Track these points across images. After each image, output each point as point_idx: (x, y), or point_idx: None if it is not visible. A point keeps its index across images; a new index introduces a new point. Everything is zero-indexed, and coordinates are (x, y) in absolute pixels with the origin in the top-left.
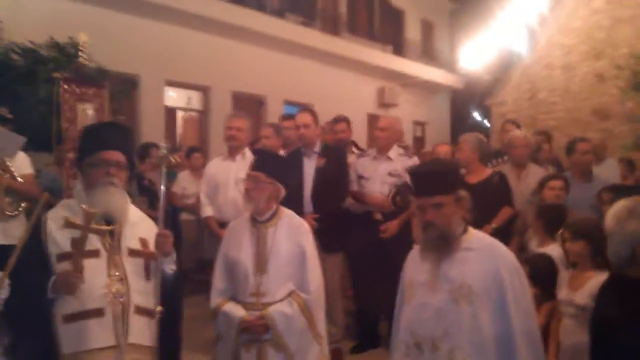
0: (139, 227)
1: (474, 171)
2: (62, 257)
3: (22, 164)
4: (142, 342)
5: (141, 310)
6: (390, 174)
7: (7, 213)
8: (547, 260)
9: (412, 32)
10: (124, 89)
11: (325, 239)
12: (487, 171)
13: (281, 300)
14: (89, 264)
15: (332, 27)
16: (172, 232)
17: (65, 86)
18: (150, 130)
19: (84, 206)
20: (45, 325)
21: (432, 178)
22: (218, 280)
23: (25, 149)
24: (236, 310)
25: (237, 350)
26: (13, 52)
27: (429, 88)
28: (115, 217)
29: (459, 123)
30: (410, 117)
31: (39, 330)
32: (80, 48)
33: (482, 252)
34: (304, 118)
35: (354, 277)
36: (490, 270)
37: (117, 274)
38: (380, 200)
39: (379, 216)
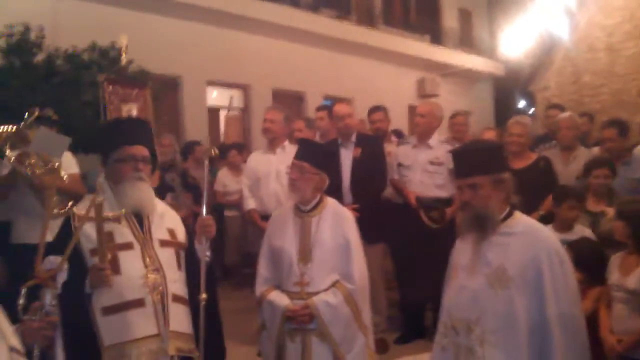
0: (166, 218)
1: (519, 156)
2: (94, 251)
3: (68, 164)
4: (182, 330)
5: (178, 299)
6: (431, 162)
7: (55, 212)
8: (592, 244)
9: (450, 20)
10: (166, 89)
11: (366, 229)
12: (533, 156)
13: (325, 290)
14: (124, 256)
15: (367, 20)
16: (217, 228)
17: (110, 88)
18: (194, 129)
19: (89, 196)
20: (82, 319)
21: (468, 158)
22: (263, 269)
23: (74, 151)
24: (281, 299)
25: (281, 339)
26: (57, 57)
27: (469, 77)
28: (145, 211)
29: (503, 111)
30: (452, 107)
31: (75, 323)
32: (122, 50)
33: (523, 237)
34: (346, 108)
35: (397, 267)
36: (528, 255)
37: (152, 264)
38: (413, 200)
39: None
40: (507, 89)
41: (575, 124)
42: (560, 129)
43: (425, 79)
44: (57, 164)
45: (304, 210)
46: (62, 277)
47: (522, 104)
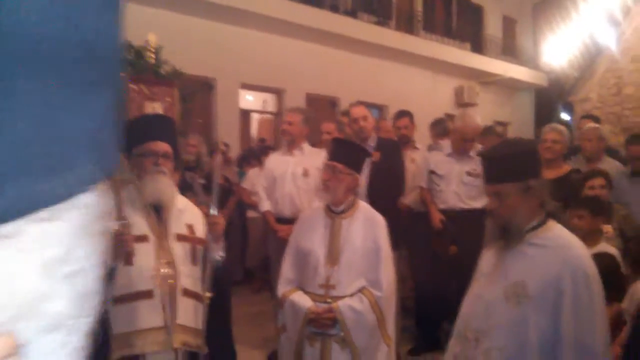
0: (186, 213)
1: (552, 166)
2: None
3: None
4: (189, 324)
5: (189, 293)
6: (468, 174)
7: None
8: (608, 259)
9: (493, 28)
10: (199, 90)
11: None
12: (566, 168)
13: (351, 295)
14: (138, 248)
15: (407, 26)
16: (240, 230)
17: (133, 86)
18: (226, 131)
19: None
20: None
21: (495, 163)
22: (287, 269)
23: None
24: (304, 300)
25: (301, 342)
26: None
27: (511, 86)
28: (164, 204)
29: (544, 122)
30: (491, 116)
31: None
32: (149, 49)
33: (551, 251)
34: (362, 110)
35: (414, 276)
36: (552, 272)
37: (165, 258)
38: (438, 223)
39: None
40: (549, 100)
41: (600, 135)
42: (585, 140)
43: (464, 87)
44: None
45: (335, 212)
46: None
47: (564, 115)
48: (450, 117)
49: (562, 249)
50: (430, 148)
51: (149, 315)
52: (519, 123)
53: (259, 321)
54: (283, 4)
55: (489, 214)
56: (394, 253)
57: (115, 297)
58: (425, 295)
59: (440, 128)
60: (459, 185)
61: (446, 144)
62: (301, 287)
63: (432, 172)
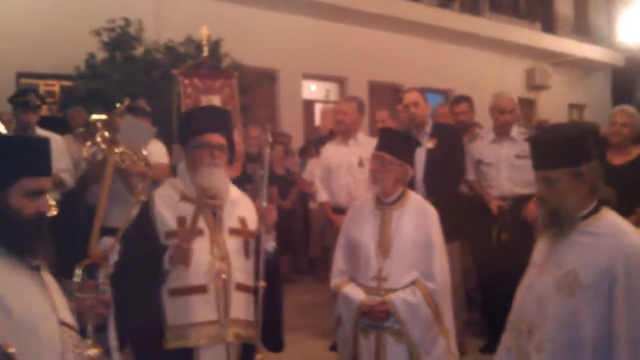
0: (239, 206)
1: (620, 150)
2: (169, 234)
3: (157, 153)
4: (242, 317)
5: (242, 287)
6: (517, 156)
7: (141, 198)
8: None
9: (564, 6)
10: (261, 82)
11: (441, 226)
12: (635, 151)
13: (403, 288)
14: (194, 242)
15: (472, 7)
16: (302, 220)
17: (186, 81)
18: (289, 122)
19: (169, 180)
20: (152, 297)
21: (543, 148)
22: (339, 261)
23: (168, 142)
24: (356, 293)
25: (356, 335)
26: (155, 51)
27: (585, 67)
28: (219, 197)
29: (622, 104)
30: (565, 99)
31: (147, 300)
32: (204, 42)
33: (604, 240)
34: (413, 96)
35: (478, 268)
36: (605, 262)
37: (219, 252)
38: (495, 209)
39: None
40: (626, 80)
41: None
42: None
43: (536, 69)
44: (144, 152)
45: (385, 203)
46: (114, 257)
47: None
48: (520, 100)
49: (615, 237)
50: (471, 139)
51: (203, 309)
52: (596, 105)
53: (322, 311)
54: None
55: (538, 201)
56: (454, 244)
57: (171, 289)
58: (491, 288)
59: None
60: (509, 169)
61: (486, 131)
62: (353, 279)
63: (479, 162)
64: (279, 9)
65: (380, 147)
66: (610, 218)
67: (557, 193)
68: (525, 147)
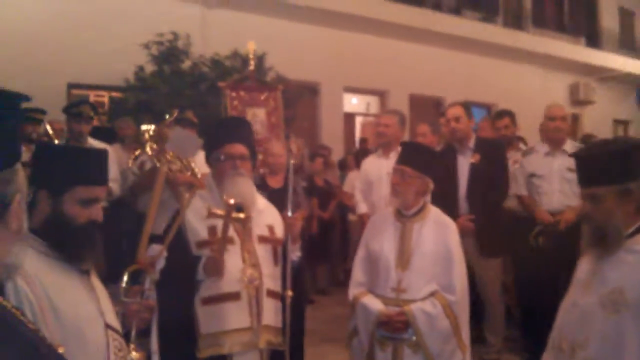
0: (266, 214)
1: None
2: (201, 244)
3: (202, 163)
4: (273, 324)
5: (272, 294)
6: (570, 169)
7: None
8: None
9: (609, 21)
10: (304, 95)
11: (484, 242)
12: None
13: (423, 299)
14: (225, 251)
15: (515, 21)
16: (341, 232)
17: (233, 94)
18: (330, 134)
19: (225, 198)
20: (186, 306)
21: (589, 164)
22: (358, 272)
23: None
24: (374, 304)
25: (372, 346)
26: (202, 64)
27: (630, 82)
28: (246, 206)
29: None
30: (609, 115)
31: (180, 309)
32: (251, 56)
33: None
34: (455, 111)
35: (519, 284)
36: None
37: (250, 259)
38: (549, 219)
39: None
40: None
41: None
42: None
43: (580, 84)
44: (192, 163)
45: (405, 215)
46: (161, 263)
47: None
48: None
49: None
50: (525, 153)
51: (236, 316)
52: None
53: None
54: (384, 5)
55: (584, 218)
56: (497, 260)
57: (204, 298)
58: (531, 305)
59: None
60: (562, 182)
61: (541, 145)
62: (372, 290)
63: (532, 175)
64: (321, 22)
65: (401, 160)
66: None
67: (603, 211)
68: None
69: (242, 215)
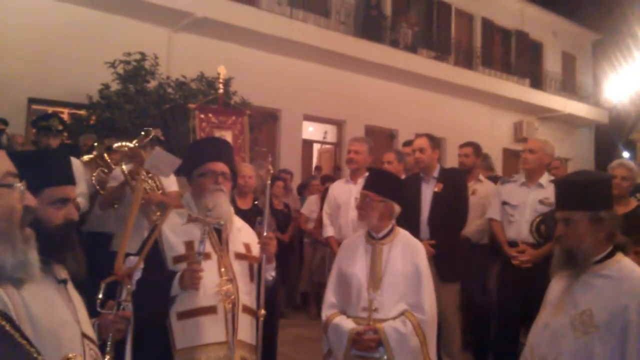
0: (244, 233)
1: (619, 202)
2: (177, 259)
3: (169, 182)
4: (248, 340)
5: (248, 310)
6: (541, 202)
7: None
8: None
9: (552, 64)
10: (265, 121)
11: (442, 267)
12: (633, 203)
13: (394, 318)
14: (202, 265)
15: (466, 61)
16: (298, 254)
17: (202, 115)
18: (289, 160)
19: (204, 204)
20: (156, 320)
21: (567, 190)
22: (330, 294)
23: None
24: (347, 323)
25: None
26: (168, 85)
27: (570, 122)
28: (223, 220)
29: (605, 160)
30: None
31: (154, 325)
32: (220, 80)
33: (618, 282)
34: (420, 142)
35: (471, 309)
36: (618, 304)
37: (226, 274)
38: (509, 256)
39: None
40: (610, 137)
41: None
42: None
43: (523, 122)
44: (160, 182)
45: (375, 238)
46: (137, 275)
47: (625, 154)
48: (507, 152)
49: (629, 280)
50: (503, 181)
51: (212, 330)
52: (580, 160)
53: (316, 345)
54: (345, 39)
55: (557, 239)
56: (454, 285)
57: (180, 312)
58: (483, 329)
59: (485, 163)
60: (532, 214)
61: (519, 175)
62: (345, 312)
63: (505, 203)
64: (284, 52)
65: (365, 186)
66: (624, 263)
67: (575, 234)
68: (550, 194)
69: (222, 222)
